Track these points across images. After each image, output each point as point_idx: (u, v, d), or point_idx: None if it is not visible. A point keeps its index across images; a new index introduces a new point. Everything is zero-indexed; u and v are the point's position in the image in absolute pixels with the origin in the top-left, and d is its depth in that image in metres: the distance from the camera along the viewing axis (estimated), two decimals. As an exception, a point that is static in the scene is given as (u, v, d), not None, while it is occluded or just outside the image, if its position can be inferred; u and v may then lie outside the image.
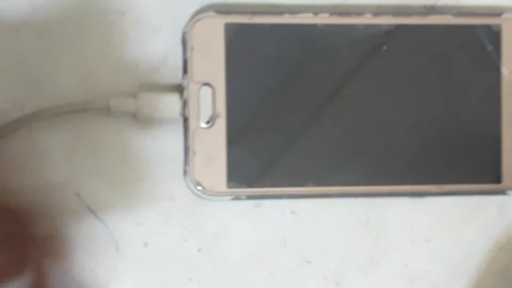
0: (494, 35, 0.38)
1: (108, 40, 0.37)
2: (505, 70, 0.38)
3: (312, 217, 0.39)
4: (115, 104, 0.36)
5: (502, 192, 0.39)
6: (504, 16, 0.38)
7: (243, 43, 0.37)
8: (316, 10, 0.37)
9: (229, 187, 0.37)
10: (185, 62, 0.36)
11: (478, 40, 0.38)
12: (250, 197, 0.37)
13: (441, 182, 0.38)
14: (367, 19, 0.37)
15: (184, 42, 0.37)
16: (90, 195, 0.37)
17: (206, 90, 0.37)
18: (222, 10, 0.37)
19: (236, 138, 0.37)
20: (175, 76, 0.37)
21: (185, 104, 0.36)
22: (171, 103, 0.36)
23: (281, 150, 0.37)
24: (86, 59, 0.37)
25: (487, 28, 0.38)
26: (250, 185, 0.37)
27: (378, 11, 0.38)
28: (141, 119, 0.37)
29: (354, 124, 0.37)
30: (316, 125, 0.37)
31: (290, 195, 0.37)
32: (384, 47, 0.37)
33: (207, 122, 0.37)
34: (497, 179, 0.38)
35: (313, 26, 0.37)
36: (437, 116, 0.38)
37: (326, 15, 0.37)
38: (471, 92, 0.38)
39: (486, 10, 0.39)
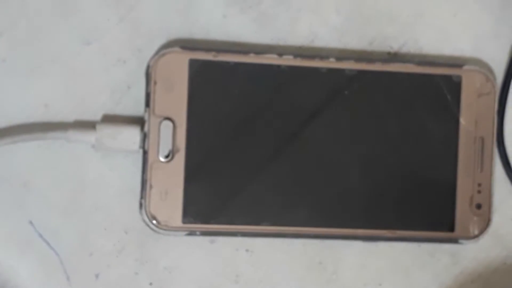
0: (454, 85, 0.39)
1: (72, 69, 0.37)
2: (463, 120, 0.39)
3: (266, 256, 0.39)
4: (74, 134, 0.36)
5: (454, 240, 0.39)
6: (465, 67, 0.39)
7: (206, 80, 0.37)
8: (280, 51, 0.38)
9: (184, 222, 0.37)
10: (147, 95, 0.37)
11: (438, 90, 0.39)
12: (205, 233, 0.37)
13: (394, 227, 0.38)
14: (330, 63, 0.38)
15: (147, 76, 0.37)
16: (43, 223, 0.37)
17: (167, 125, 0.37)
18: (187, 46, 0.37)
19: (194, 174, 0.37)
20: (137, 109, 0.37)
21: (145, 137, 0.36)
22: (131, 136, 0.36)
23: (238, 188, 0.37)
24: (48, 87, 0.37)
25: (447, 78, 0.39)
26: (205, 221, 0.37)
27: (342, 56, 0.38)
28: (100, 150, 0.37)
29: (311, 166, 0.38)
30: (274, 165, 0.37)
31: (245, 233, 0.37)
32: (346, 92, 0.38)
33: (166, 157, 0.37)
34: (451, 228, 0.39)
35: (277, 67, 0.37)
36: (393, 162, 0.38)
37: (290, 57, 0.38)
38: (429, 140, 0.39)
39: (448, 61, 0.40)
